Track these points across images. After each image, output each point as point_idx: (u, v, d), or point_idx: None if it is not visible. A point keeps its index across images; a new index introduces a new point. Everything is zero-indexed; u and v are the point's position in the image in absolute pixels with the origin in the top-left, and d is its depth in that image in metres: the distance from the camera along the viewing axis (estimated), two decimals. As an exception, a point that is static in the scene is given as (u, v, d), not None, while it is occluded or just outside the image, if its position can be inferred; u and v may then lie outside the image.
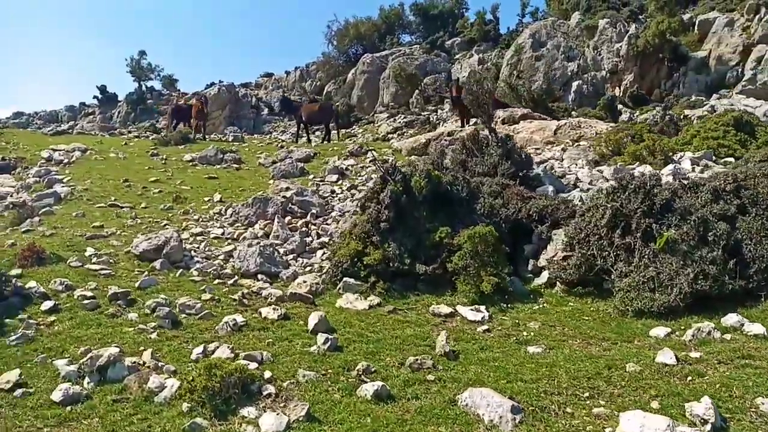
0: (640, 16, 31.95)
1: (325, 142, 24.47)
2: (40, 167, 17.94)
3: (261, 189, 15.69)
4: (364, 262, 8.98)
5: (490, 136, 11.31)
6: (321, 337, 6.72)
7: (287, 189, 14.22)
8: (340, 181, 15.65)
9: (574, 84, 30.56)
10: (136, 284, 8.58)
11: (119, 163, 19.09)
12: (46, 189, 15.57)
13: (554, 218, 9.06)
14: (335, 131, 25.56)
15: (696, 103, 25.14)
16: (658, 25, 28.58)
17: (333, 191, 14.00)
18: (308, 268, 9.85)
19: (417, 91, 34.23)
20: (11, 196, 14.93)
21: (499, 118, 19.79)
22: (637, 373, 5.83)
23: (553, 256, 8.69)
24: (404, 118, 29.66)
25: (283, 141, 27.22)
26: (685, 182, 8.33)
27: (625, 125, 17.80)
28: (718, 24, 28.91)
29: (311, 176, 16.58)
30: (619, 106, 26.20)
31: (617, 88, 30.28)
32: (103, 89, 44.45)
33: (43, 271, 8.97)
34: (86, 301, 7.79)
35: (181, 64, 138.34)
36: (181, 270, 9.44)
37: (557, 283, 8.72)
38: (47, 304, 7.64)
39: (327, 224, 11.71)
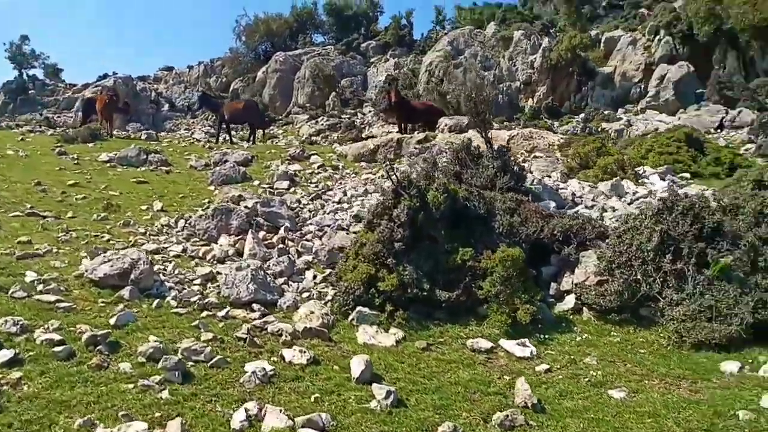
0: (551, 30, 32.64)
1: (249, 143, 22.66)
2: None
3: (201, 196, 13.94)
4: (379, 288, 7.78)
5: (486, 147, 10.46)
6: (379, 390, 5.53)
7: (240, 197, 12.62)
8: (292, 189, 14.19)
9: (492, 93, 30.62)
10: (111, 321, 6.84)
11: (22, 163, 16.37)
12: (-62, 192, 12.93)
13: (580, 239, 8.32)
14: (260, 131, 23.77)
15: (609, 117, 25.84)
16: (570, 40, 29.26)
17: (299, 201, 12.51)
18: (305, 295, 8.46)
19: (334, 92, 32.97)
20: None
21: (446, 126, 19.11)
22: (754, 421, 5.16)
23: (584, 281, 7.94)
24: (326, 120, 28.32)
25: (197, 140, 25.00)
26: (724, 203, 7.89)
27: (576, 137, 17.68)
28: (623, 42, 30.10)
29: (256, 182, 14.98)
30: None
31: (530, 99, 30.73)
32: (-27, 75, 39.23)
33: (-20, 306, 6.98)
34: (56, 349, 6.02)
35: (67, 53, 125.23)
36: (156, 300, 7.75)
37: (584, 309, 7.98)
38: (4, 355, 5.80)
39: (307, 240, 10.27)
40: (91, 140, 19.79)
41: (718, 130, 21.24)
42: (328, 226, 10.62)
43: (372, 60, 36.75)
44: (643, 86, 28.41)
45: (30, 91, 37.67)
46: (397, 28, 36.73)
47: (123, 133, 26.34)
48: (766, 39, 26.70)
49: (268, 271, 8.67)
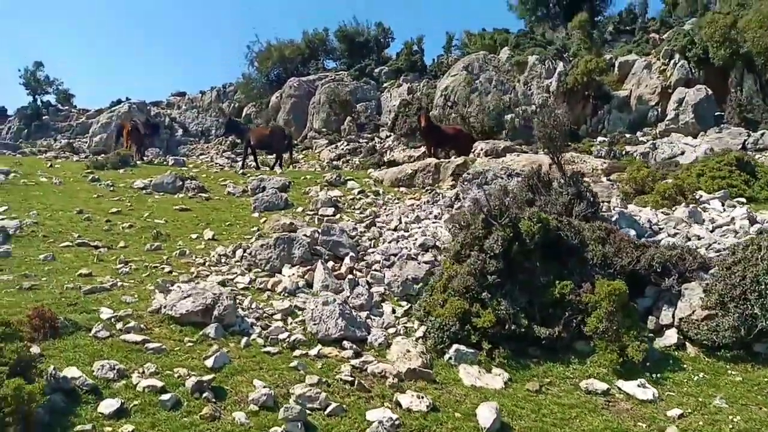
0: (564, 55, 32.55)
1: (276, 168, 22.25)
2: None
3: (249, 223, 13.47)
4: (475, 325, 7.32)
5: (557, 173, 10.09)
6: (521, 442, 5.03)
7: (292, 225, 12.16)
8: (338, 215, 13.74)
9: (507, 117, 30.44)
10: (208, 363, 6.36)
11: (58, 190, 15.89)
12: (-20, 222, 12.43)
13: (680, 270, 7.89)
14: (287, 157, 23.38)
15: (632, 140, 25.59)
16: (586, 64, 29.11)
17: (356, 228, 12.02)
18: (390, 330, 7.97)
19: (349, 117, 32.70)
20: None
21: (482, 150, 18.77)
22: None
23: (690, 315, 7.49)
24: (346, 145, 28.02)
25: (220, 166, 24.61)
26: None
27: (618, 162, 17.33)
28: (638, 66, 29.99)
29: (299, 208, 14.53)
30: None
31: (547, 122, 30.44)
32: (-15, 102, 38.83)
33: (65, 346, 6.51)
34: (162, 397, 5.53)
35: (77, 78, 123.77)
36: (243, 338, 7.25)
37: (687, 344, 7.53)
38: (109, 405, 5.34)
39: (376, 271, 9.78)
40: (121, 166, 19.33)
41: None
42: (395, 255, 10.14)
43: (385, 85, 36.59)
44: (660, 109, 28.21)
45: (44, 117, 37.26)
46: (409, 54, 36.57)
47: (146, 158, 25.92)
48: (783, 63, 26.66)
49: (347, 305, 8.17)
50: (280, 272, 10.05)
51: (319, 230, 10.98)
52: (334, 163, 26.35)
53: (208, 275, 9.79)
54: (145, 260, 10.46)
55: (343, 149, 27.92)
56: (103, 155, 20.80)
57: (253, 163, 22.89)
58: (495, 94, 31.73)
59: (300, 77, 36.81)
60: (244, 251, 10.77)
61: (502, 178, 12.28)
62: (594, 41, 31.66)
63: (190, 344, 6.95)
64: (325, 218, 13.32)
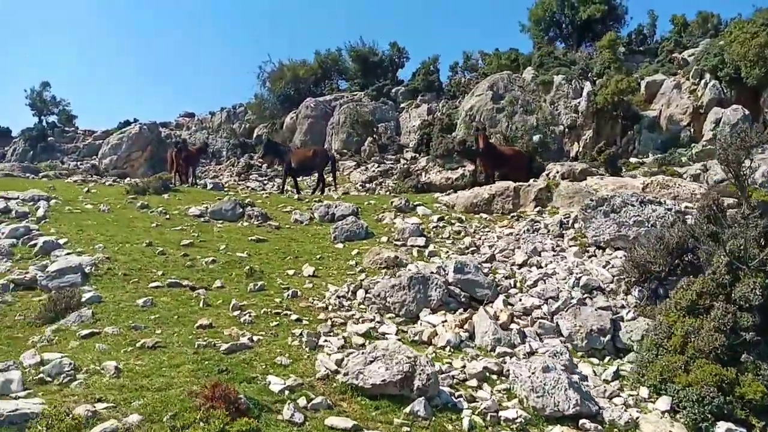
0: (589, 75, 31.69)
1: (318, 192, 20.67)
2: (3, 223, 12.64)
3: (340, 256, 11.87)
4: (741, 395, 5.86)
5: (744, 202, 8.78)
6: None
7: (397, 259, 10.63)
8: (431, 246, 12.21)
9: (535, 137, 29.34)
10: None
11: (110, 218, 14.10)
12: (43, 257, 10.71)
13: None
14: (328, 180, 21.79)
15: (674, 161, 24.61)
16: (617, 84, 28.19)
17: (485, 264, 10.46)
18: (616, 400, 6.46)
19: (371, 138, 31.33)
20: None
21: (557, 172, 17.47)
22: None
23: None
24: (377, 166, 26.60)
25: (253, 189, 22.97)
26: None
27: (719, 185, 16.09)
28: (666, 86, 29.20)
29: (383, 239, 12.99)
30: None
31: (576, 143, 29.50)
32: (-12, 122, 36.60)
33: (263, 439, 4.88)
34: None
35: (80, 99, 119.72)
36: (456, 415, 5.70)
37: None
38: None
39: (543, 319, 8.26)
40: (163, 191, 17.55)
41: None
42: (553, 298, 8.66)
43: (402, 105, 35.38)
44: (693, 129, 27.40)
45: (49, 138, 35.10)
46: (426, 74, 35.41)
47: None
48: (817, 81, 26.03)
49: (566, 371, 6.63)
50: (417, 318, 8.53)
51: (447, 267, 9.43)
52: (367, 185, 24.91)
53: (343, 323, 8.24)
54: (257, 304, 8.86)
55: (374, 171, 26.49)
56: (143, 179, 18.97)
57: (293, 187, 21.27)
58: (521, 114, 30.76)
59: (315, 97, 35.41)
60: (366, 291, 9.22)
61: (633, 205, 10.93)
62: (620, 61, 30.82)
63: (406, 429, 5.36)
64: (415, 248, 11.85)
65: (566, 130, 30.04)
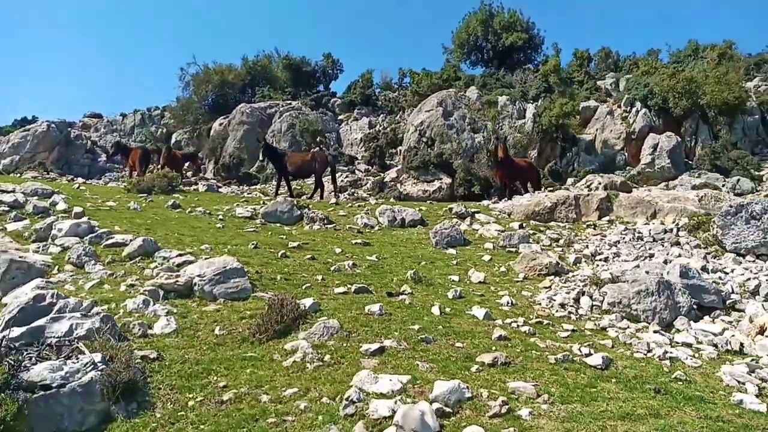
0: (528, 97, 33.02)
1: (315, 198, 19.04)
2: (53, 223, 9.86)
3: (463, 261, 10.75)
4: None
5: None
6: None
7: (558, 265, 9.85)
8: (550, 253, 11.52)
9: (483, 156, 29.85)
10: None
11: (158, 217, 11.65)
12: (146, 259, 8.49)
13: None
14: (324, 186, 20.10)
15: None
16: (562, 107, 29.64)
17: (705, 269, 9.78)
18: None
19: (318, 148, 29.88)
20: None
21: (599, 183, 17.53)
22: None
23: None
24: (345, 177, 25.30)
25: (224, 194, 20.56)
26: None
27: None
28: (601, 112, 31.26)
29: (487, 245, 12.06)
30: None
31: (521, 162, 30.42)
32: None
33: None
34: None
35: None
36: None
37: None
38: None
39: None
40: (170, 191, 14.97)
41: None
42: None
43: (341, 117, 34.33)
44: (627, 154, 29.47)
45: None
46: (364, 87, 34.70)
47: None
48: (731, 115, 29.34)
49: None
50: (670, 326, 7.78)
51: (669, 271, 8.77)
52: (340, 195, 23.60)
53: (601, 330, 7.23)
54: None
55: (342, 181, 25.13)
56: (142, 179, 15.95)
57: (283, 190, 19.39)
58: (469, 132, 31.12)
59: (250, 104, 33.13)
60: (591, 298, 8.29)
61: (771, 210, 11.09)
62: (563, 87, 32.45)
63: None
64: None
65: (511, 150, 30.88)
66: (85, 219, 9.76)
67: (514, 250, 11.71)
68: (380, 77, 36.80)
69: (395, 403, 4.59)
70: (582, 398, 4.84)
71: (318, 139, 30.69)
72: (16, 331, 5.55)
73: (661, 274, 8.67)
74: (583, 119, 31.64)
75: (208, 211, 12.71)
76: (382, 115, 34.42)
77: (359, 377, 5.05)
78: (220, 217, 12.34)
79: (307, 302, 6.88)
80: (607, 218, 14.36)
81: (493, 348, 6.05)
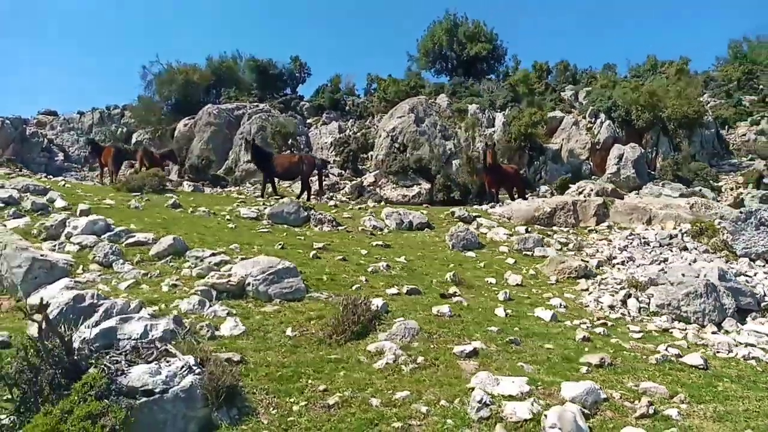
0: (495, 106, 33.45)
1: (302, 199, 18.59)
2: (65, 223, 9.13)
3: (487, 265, 10.60)
4: None
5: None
6: None
7: (586, 269, 9.84)
8: (564, 257, 11.52)
9: (454, 162, 30.00)
10: None
11: (165, 216, 10.99)
12: (177, 259, 7.96)
13: None
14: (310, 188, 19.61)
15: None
16: (531, 116, 30.16)
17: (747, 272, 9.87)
18: None
19: (289, 151, 29.35)
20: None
21: (591, 190, 17.73)
22: None
23: None
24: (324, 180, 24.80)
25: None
26: None
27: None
28: (566, 122, 31.98)
29: (502, 248, 11.97)
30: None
31: (491, 169, 30.71)
32: None
33: None
34: None
35: None
36: None
37: None
38: None
39: None
40: (162, 191, 14.21)
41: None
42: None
43: (309, 121, 33.86)
44: (592, 163, 30.23)
45: None
46: (332, 92, 34.33)
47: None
48: (690, 128, 30.56)
49: None
50: (719, 327, 7.84)
51: (706, 273, 8.83)
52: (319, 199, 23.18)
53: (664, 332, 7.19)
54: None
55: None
56: (133, 176, 15.03)
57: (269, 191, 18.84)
58: (440, 139, 31.20)
59: (212, 105, 32.22)
60: (638, 301, 8.27)
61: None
62: (535, 95, 33.03)
63: None
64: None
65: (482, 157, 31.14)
66: (100, 217, 9.06)
67: (530, 253, 11.66)
68: (344, 83, 36.55)
69: (532, 404, 4.34)
70: (715, 398, 4.74)
71: (290, 142, 30.12)
72: (91, 333, 4.97)
73: (706, 276, 8.75)
74: (549, 129, 32.24)
75: (212, 212, 12.12)
76: (351, 120, 34.15)
77: (479, 379, 4.78)
78: (227, 217, 11.79)
79: (378, 302, 6.54)
80: (605, 224, 14.57)
81: (585, 350, 5.89)
